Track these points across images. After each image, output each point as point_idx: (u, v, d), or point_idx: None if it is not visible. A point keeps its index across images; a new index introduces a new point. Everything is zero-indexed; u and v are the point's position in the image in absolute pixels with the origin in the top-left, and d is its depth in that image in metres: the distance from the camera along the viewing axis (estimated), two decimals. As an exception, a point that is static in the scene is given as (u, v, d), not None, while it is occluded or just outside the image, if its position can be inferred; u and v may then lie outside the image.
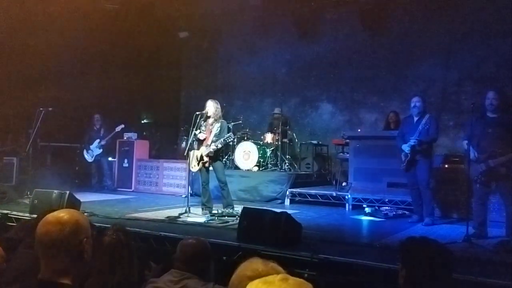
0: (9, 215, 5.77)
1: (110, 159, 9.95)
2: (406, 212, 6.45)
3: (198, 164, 6.12)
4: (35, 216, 3.86)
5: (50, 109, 7.80)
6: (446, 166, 6.75)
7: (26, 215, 5.61)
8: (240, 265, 1.65)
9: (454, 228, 5.50)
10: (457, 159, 6.74)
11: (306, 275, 3.67)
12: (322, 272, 3.71)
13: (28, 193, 6.84)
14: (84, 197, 6.52)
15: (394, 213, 6.41)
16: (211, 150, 6.02)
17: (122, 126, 9.35)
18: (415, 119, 5.98)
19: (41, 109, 7.74)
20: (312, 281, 3.60)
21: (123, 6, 9.96)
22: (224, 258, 4.08)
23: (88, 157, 9.33)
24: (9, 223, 5.56)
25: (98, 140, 9.22)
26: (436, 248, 1.96)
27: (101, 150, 9.26)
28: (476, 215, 5.03)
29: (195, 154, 6.17)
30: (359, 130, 8.78)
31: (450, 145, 8.31)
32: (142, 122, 11.20)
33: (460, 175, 6.35)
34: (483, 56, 8.41)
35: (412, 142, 5.77)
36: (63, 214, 1.95)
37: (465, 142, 5.12)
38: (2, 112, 7.86)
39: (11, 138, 8.81)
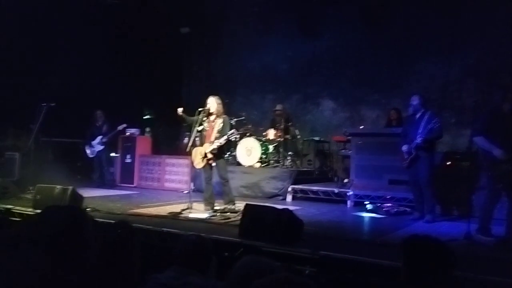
0: (12, 210, 5.80)
1: (112, 154, 9.99)
2: (408, 209, 6.47)
3: (202, 161, 6.14)
4: (38, 211, 3.88)
5: (52, 104, 7.83)
6: (448, 163, 6.75)
7: (29, 210, 5.65)
8: (234, 265, 1.68)
9: (455, 225, 5.51)
10: (458, 156, 6.75)
11: (307, 271, 3.70)
12: (323, 268, 3.73)
13: (31, 188, 6.87)
14: (86, 193, 6.54)
15: (395, 210, 6.43)
16: (215, 147, 6.04)
17: (124, 125, 9.40)
18: (416, 117, 5.98)
19: (43, 104, 7.76)
20: (313, 277, 3.61)
21: (124, 2, 9.96)
22: (226, 254, 4.10)
23: (90, 153, 9.35)
24: (12, 218, 5.60)
25: (100, 137, 9.24)
26: (438, 246, 1.98)
27: (103, 146, 9.28)
28: (485, 213, 4.88)
29: (198, 151, 6.19)
30: (361, 127, 8.79)
31: (451, 142, 8.31)
32: (144, 118, 11.20)
33: (461, 172, 6.36)
34: (485, 53, 8.39)
35: (418, 141, 5.77)
36: (66, 209, 1.99)
37: (479, 138, 4.82)
38: (4, 107, 7.88)
39: (12, 132, 8.82)
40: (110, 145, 9.61)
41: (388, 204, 6.63)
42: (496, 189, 4.80)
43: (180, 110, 6.26)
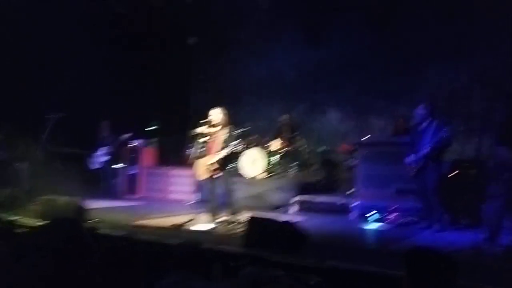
0: (18, 221, 5.81)
1: (117, 165, 10.01)
2: (415, 219, 6.39)
3: (206, 172, 6.13)
4: (46, 222, 3.89)
5: (61, 115, 7.89)
6: (456, 171, 6.68)
7: (35, 221, 5.66)
8: (238, 275, 1.67)
9: (462, 235, 5.45)
10: (466, 164, 6.68)
11: (312, 282, 3.66)
12: (328, 278, 3.69)
13: (39, 198, 6.89)
14: (91, 204, 6.55)
15: (402, 219, 6.36)
16: (219, 158, 6.03)
17: (129, 134, 9.43)
18: (424, 126, 5.95)
19: (52, 115, 7.83)
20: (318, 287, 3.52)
21: (131, 11, 10.06)
22: (231, 264, 4.08)
23: (95, 164, 9.40)
24: (19, 229, 5.61)
25: (105, 147, 9.29)
26: (441, 257, 1.95)
27: (107, 157, 9.33)
28: (496, 222, 4.83)
29: (202, 162, 6.19)
30: (368, 136, 8.73)
31: (459, 150, 8.22)
32: (150, 129, 11.24)
33: (469, 180, 6.28)
34: (493, 60, 8.33)
35: (426, 150, 5.73)
36: (69, 221, 2.02)
37: (502, 148, 4.77)
38: (13, 117, 7.96)
39: (21, 143, 8.89)
40: (115, 156, 9.64)
41: (395, 214, 6.57)
42: (510, 199, 4.76)
43: (204, 129, 6.14)
